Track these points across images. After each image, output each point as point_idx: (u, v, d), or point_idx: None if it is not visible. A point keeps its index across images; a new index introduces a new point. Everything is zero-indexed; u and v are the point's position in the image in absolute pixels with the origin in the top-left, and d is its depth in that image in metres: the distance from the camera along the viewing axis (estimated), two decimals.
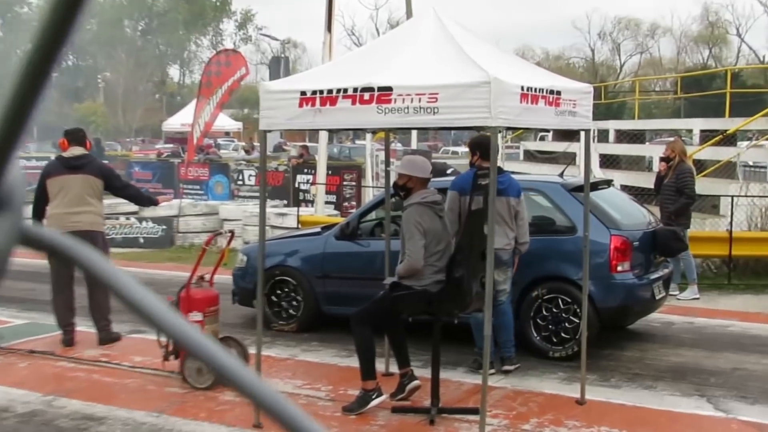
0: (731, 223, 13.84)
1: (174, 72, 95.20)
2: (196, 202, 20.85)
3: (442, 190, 8.10)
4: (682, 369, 8.91)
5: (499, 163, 9.65)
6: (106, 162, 19.78)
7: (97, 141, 32.91)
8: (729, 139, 19.82)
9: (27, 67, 0.67)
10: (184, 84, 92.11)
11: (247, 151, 30.81)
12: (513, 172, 10.62)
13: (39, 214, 9.62)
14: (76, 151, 9.67)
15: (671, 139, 21.04)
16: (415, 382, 7.62)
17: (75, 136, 9.81)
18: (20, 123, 0.69)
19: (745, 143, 20.80)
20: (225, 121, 35.51)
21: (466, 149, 28.41)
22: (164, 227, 19.12)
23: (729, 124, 20.56)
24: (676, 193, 12.08)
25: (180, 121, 33.64)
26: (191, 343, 0.72)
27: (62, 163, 9.68)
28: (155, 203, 10.87)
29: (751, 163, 19.23)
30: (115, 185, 9.90)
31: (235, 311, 11.29)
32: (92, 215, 9.58)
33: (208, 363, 0.72)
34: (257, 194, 19.93)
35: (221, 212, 19.19)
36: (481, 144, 8.54)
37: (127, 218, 18.97)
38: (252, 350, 8.01)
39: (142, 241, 18.92)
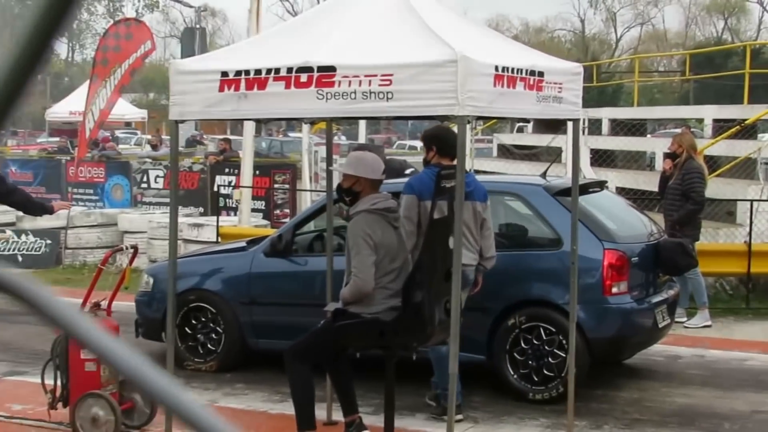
0: (750, 233, 14.02)
1: (61, 47, 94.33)
2: (89, 210, 20.68)
3: (397, 195, 8.13)
4: (690, 412, 9.03)
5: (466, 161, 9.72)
6: None
7: None
8: (748, 131, 20.08)
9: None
10: (74, 62, 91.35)
11: (153, 146, 30.63)
12: (485, 172, 10.72)
13: None
14: None
15: (678, 130, 21.35)
16: None
17: None
18: None
19: None
20: (126, 109, 35.27)
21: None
22: (49, 242, 18.95)
23: (748, 112, 20.85)
24: (682, 198, 12.21)
25: (68, 108, 33.37)
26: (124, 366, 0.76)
27: None
28: (49, 211, 10.73)
29: None
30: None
31: (139, 346, 11.23)
32: None
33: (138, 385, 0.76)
34: (166, 200, 19.85)
35: (121, 223, 19.04)
36: (439, 137, 8.58)
37: (2, 230, 18.78)
38: None
39: (20, 259, 18.73)
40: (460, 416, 8.74)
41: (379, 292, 7.21)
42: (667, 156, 13.03)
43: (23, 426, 8.56)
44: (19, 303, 0.75)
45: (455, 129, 7.41)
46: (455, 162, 8.03)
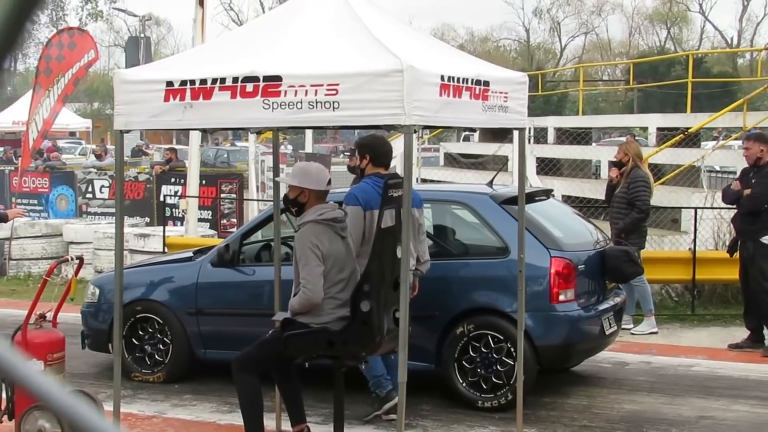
0: (695, 241, 14.16)
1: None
2: (33, 220, 20.50)
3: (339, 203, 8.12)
4: (638, 418, 9.09)
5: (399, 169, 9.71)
6: None
7: None
8: (691, 139, 20.30)
9: None
10: (17, 71, 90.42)
11: (98, 156, 30.42)
12: (432, 181, 10.76)
13: None
14: None
15: (623, 139, 21.54)
16: None
17: None
18: None
19: (711, 144, 21.38)
20: (70, 118, 35.07)
21: None
22: None
23: (691, 120, 21.10)
24: (628, 206, 12.30)
25: (11, 118, 33.08)
26: (35, 389, 0.75)
27: None
28: (4, 219, 10.60)
29: (717, 168, 19.75)
30: None
31: (86, 357, 11.15)
32: None
33: (56, 411, 0.75)
34: (112, 210, 19.71)
35: (66, 233, 18.90)
36: (373, 146, 8.69)
37: None
38: (108, 407, 7.93)
39: None
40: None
41: (327, 302, 7.21)
42: (613, 164, 13.12)
43: None
44: None
45: (398, 137, 7.44)
46: (388, 171, 8.13)
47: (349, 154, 9.02)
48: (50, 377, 0.70)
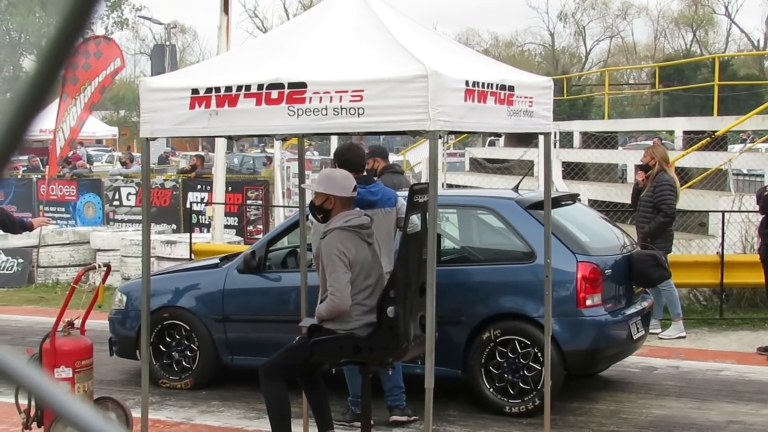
0: (722, 244, 14.08)
1: (30, 64, 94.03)
2: (61, 228, 20.61)
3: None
4: (666, 423, 9.06)
5: (439, 175, 9.70)
6: None
7: None
8: (718, 142, 20.20)
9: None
10: None
11: (124, 164, 30.57)
12: (457, 186, 10.74)
13: None
14: None
15: (649, 142, 21.46)
16: None
17: None
18: None
19: (738, 147, 21.26)
20: (96, 126, 35.25)
21: (400, 158, 28.60)
22: (20, 260, 18.87)
23: (718, 123, 21.00)
24: (653, 210, 12.26)
25: (38, 126, 33.01)
26: (56, 405, 0.74)
27: None
28: (29, 228, 10.53)
29: (745, 171, 19.64)
30: None
31: (114, 364, 11.20)
32: None
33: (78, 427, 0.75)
34: (139, 218, 19.78)
35: (93, 241, 19.00)
36: (342, 154, 8.81)
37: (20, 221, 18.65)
38: (136, 413, 7.96)
39: None
40: (407, 417, 8.85)
41: (354, 309, 7.20)
42: (639, 168, 13.08)
43: None
44: None
45: (424, 143, 7.42)
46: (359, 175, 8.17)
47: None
48: (66, 390, 0.69)
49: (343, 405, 8.96)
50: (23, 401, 8.26)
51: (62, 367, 8.08)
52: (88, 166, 31.30)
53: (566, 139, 25.50)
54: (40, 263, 18.91)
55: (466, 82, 6.73)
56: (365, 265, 7.30)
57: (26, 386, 0.73)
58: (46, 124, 27.88)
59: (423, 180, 9.06)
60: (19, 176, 27.55)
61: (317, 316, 7.31)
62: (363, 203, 8.24)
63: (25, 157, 36.31)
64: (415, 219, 7.18)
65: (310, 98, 6.57)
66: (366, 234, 7.41)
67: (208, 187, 20.22)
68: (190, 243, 16.60)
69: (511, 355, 9.27)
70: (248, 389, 9.49)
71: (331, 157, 25.58)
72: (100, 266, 9.08)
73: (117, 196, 23.55)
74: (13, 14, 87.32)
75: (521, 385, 9.23)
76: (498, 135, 29.47)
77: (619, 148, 26.27)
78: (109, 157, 42.87)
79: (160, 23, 58.06)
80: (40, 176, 25.17)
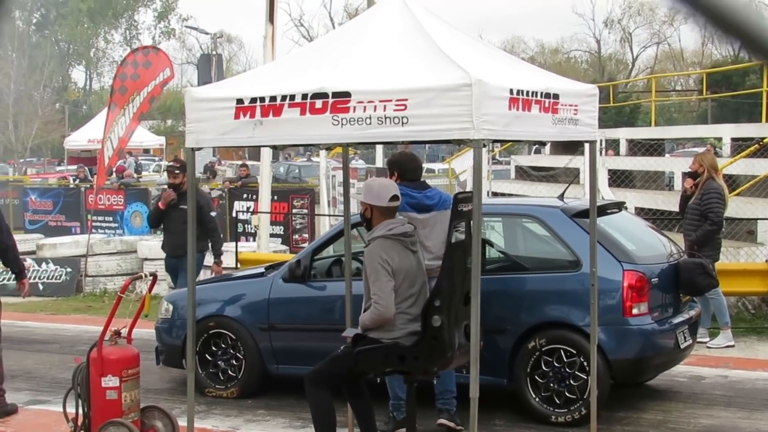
0: None
1: (78, 75, 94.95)
2: (108, 237, 20.78)
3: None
4: None
5: (485, 182, 9.69)
6: None
7: None
8: (767, 149, 20.03)
9: None
10: (92, 90, 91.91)
11: None
12: (503, 194, 10.72)
13: None
14: None
15: (696, 149, 21.30)
16: None
17: None
18: None
19: None
20: (144, 136, 35.48)
21: (445, 166, 28.55)
22: (69, 270, 19.04)
23: (766, 130, 20.82)
24: (701, 218, 12.18)
25: (86, 136, 33.58)
26: None
27: None
28: (21, 276, 10.27)
29: None
30: None
31: (160, 373, 11.27)
32: None
33: None
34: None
35: (140, 250, 19.11)
36: (400, 162, 8.92)
37: (24, 259, 18.83)
38: (182, 422, 8.00)
39: (41, 287, 18.82)
40: (454, 425, 8.85)
41: (398, 317, 7.21)
42: (687, 175, 13.00)
43: None
44: None
45: (468, 151, 7.41)
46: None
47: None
48: None
49: (386, 412, 8.97)
50: (71, 410, 8.35)
51: (109, 376, 8.14)
52: (135, 176, 31.54)
53: (612, 147, 25.37)
54: (88, 272, 19.07)
55: (511, 91, 6.72)
56: (409, 274, 7.31)
57: None
58: (94, 134, 28.23)
59: (468, 188, 9.08)
60: (69, 186, 27.84)
61: (361, 325, 7.32)
62: (420, 207, 8.38)
63: (74, 167, 36.68)
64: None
65: (354, 107, 6.57)
66: (410, 242, 7.41)
67: (254, 196, 20.30)
68: (236, 252, 16.67)
69: (556, 364, 9.23)
70: (294, 398, 9.52)
71: (376, 165, 25.62)
72: (146, 275, 9.15)
73: None
74: (62, 25, 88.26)
75: (567, 394, 9.18)
76: (544, 143, 29.48)
77: (667, 155, 26.08)
78: (156, 166, 43.17)
79: (207, 33, 58.47)
80: (88, 186, 25.40)
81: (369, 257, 7.29)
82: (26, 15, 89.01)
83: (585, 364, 8.92)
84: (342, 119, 6.61)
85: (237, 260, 16.28)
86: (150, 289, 9.13)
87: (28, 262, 18.72)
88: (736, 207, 15.60)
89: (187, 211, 7.58)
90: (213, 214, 12.26)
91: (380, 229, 7.34)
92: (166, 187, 21.22)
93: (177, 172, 12.26)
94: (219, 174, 35.61)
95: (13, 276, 10.22)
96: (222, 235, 20.96)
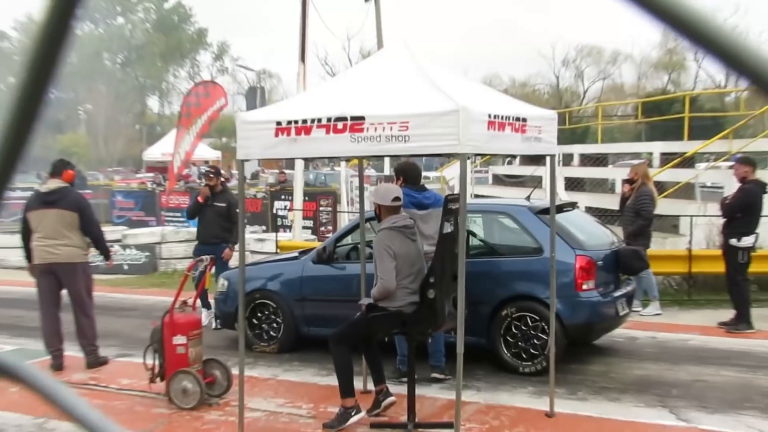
0: (690, 242, 13.99)
1: (153, 103, 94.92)
2: (177, 229, 20.79)
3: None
4: (645, 381, 9.01)
5: (469, 187, 9.69)
6: (87, 192, 19.66)
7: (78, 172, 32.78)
8: (688, 161, 20.02)
9: (14, 112, 0.64)
10: (164, 115, 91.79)
11: (225, 180, 30.79)
12: (483, 196, 10.69)
13: (27, 246, 9.69)
14: (52, 184, 9.59)
15: (634, 162, 21.25)
16: (391, 399, 7.67)
17: (52, 169, 9.73)
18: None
19: (703, 165, 21.02)
20: (204, 151, 35.44)
21: (438, 174, 28.49)
22: (147, 254, 19.08)
23: (688, 147, 20.79)
24: (635, 215, 12.20)
25: (160, 150, 33.56)
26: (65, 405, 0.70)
27: (39, 198, 9.65)
28: (108, 257, 10.33)
29: (708, 184, 19.43)
30: (84, 221, 9.67)
31: (217, 334, 11.31)
32: (70, 248, 9.56)
33: None
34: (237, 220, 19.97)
35: None
36: (404, 170, 9.02)
37: (111, 245, 18.88)
38: (235, 371, 8.04)
39: (126, 267, 18.86)
40: (443, 376, 8.84)
41: (401, 291, 7.24)
42: (626, 182, 13.00)
43: (131, 396, 8.63)
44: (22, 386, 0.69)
45: (456, 162, 7.43)
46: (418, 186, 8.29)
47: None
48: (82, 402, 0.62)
49: (393, 365, 9.00)
50: (149, 361, 8.39)
51: (178, 336, 8.19)
52: (197, 181, 31.50)
53: (568, 159, 25.32)
54: (162, 256, 19.11)
55: (489, 115, 6.73)
56: (408, 257, 7.33)
57: (41, 392, 0.69)
58: (166, 149, 28.23)
59: (456, 191, 9.05)
60: (147, 189, 27.86)
61: (372, 297, 7.36)
62: (420, 205, 8.42)
63: (151, 175, 36.70)
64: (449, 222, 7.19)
65: (368, 128, 6.59)
66: (409, 233, 7.44)
67: (290, 197, 20.32)
68: (276, 240, 16.70)
69: (524, 327, 9.26)
70: (320, 353, 9.55)
71: (385, 173, 25.59)
72: (205, 259, 9.20)
73: None
74: (140, 64, 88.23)
75: (532, 351, 9.22)
76: (514, 156, 29.42)
77: (610, 166, 25.99)
78: None
79: (253, 70, 58.38)
80: (161, 189, 25.42)
81: (377, 244, 7.33)
82: (113, 56, 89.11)
83: (545, 327, 8.95)
84: (358, 137, 6.63)
85: (277, 246, 16.30)
86: (209, 269, 9.18)
87: (115, 248, 18.80)
88: (664, 206, 15.58)
89: (239, 208, 7.58)
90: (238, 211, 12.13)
91: (386, 223, 7.37)
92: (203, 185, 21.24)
93: (212, 176, 12.23)
94: (261, 179, 35.50)
95: (102, 258, 10.26)
96: (265, 228, 21.04)
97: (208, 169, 12.12)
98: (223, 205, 11.95)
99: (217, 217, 11.87)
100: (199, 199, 12.13)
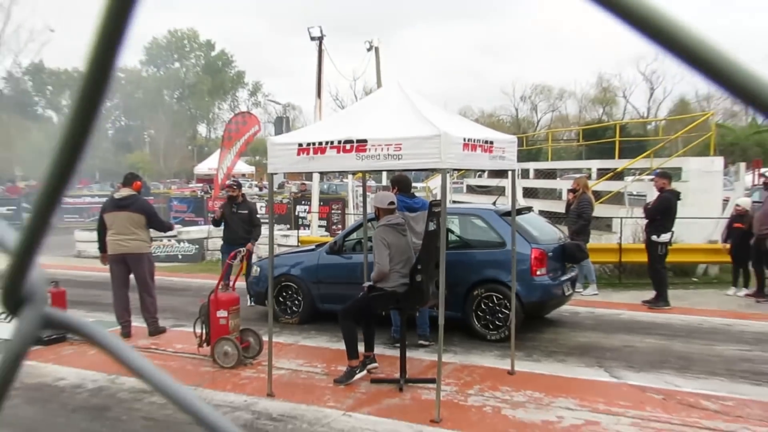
0: (620, 237, 14.00)
1: (202, 129, 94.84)
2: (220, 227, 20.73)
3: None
4: (586, 347, 8.99)
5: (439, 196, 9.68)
6: (150, 198, 19.58)
7: (144, 182, 32.71)
8: (618, 175, 20.04)
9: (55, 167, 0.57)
10: (210, 138, 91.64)
11: (259, 188, 30.72)
12: (459, 202, 10.65)
13: (102, 240, 9.67)
14: (124, 192, 9.65)
15: (577, 175, 21.24)
16: (374, 364, 7.63)
17: (125, 180, 9.82)
18: (44, 223, 0.61)
19: (630, 178, 21.02)
20: (242, 166, 35.45)
21: (424, 184, 28.44)
22: (197, 246, 19.05)
23: (618, 164, 20.81)
24: (578, 217, 12.20)
25: (208, 166, 33.51)
26: (177, 396, 0.69)
27: (113, 202, 9.67)
28: (171, 228, 10.66)
29: (634, 193, 19.45)
30: (150, 220, 9.70)
31: (252, 309, 11.28)
32: (138, 241, 9.58)
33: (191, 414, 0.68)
34: (267, 221, 19.98)
35: None
36: (399, 181, 8.98)
37: (169, 240, 18.88)
38: (265, 338, 8.02)
39: (180, 257, 18.82)
40: (428, 342, 8.81)
41: (394, 275, 7.21)
42: (569, 191, 13.00)
43: (183, 358, 8.60)
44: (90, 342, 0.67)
45: (438, 176, 7.40)
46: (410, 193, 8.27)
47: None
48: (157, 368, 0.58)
49: (388, 334, 8.97)
50: (198, 330, 8.36)
51: (221, 310, 8.16)
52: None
53: (525, 173, 25.31)
54: (208, 248, 19.07)
55: (464, 139, 6.71)
56: (400, 248, 7.32)
57: (116, 357, 0.66)
58: (212, 164, 28.17)
59: (438, 198, 9.09)
60: (197, 196, 27.81)
61: (371, 279, 7.34)
62: (411, 209, 8.40)
63: (200, 185, 36.66)
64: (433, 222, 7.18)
65: (370, 149, 6.58)
66: (401, 229, 7.43)
67: (309, 203, 20.30)
68: (298, 236, 16.71)
69: (490, 304, 9.24)
70: (332, 324, 9.52)
71: (382, 184, 25.49)
72: (243, 251, 9.17)
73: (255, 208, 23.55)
74: (192, 99, 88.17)
75: (497, 322, 9.19)
76: (483, 171, 29.42)
77: (557, 179, 26.01)
78: (249, 185, 43.09)
79: (279, 103, 58.35)
80: (208, 196, 25.38)
81: (375, 237, 7.32)
82: (170, 92, 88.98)
83: (507, 304, 8.93)
84: (362, 156, 6.62)
85: (298, 241, 16.29)
86: (246, 258, 9.15)
87: (172, 241, 18.78)
88: (600, 210, 15.59)
89: (269, 211, 7.56)
90: (258, 216, 11.87)
91: (382, 221, 7.36)
92: (255, 197, 21.10)
93: (235, 188, 11.99)
94: (286, 188, 35.47)
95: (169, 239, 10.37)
96: (289, 227, 21.00)
97: (231, 182, 11.95)
98: (245, 212, 11.70)
99: (241, 222, 11.64)
100: (216, 216, 11.94)
